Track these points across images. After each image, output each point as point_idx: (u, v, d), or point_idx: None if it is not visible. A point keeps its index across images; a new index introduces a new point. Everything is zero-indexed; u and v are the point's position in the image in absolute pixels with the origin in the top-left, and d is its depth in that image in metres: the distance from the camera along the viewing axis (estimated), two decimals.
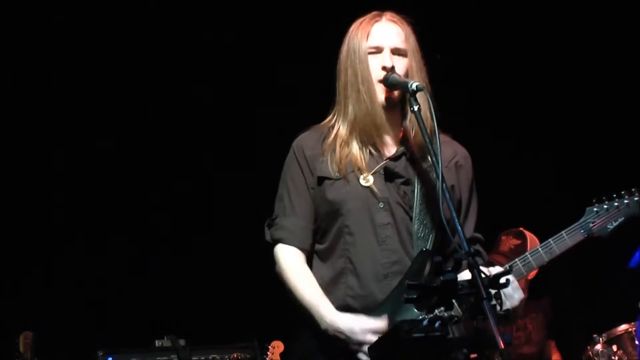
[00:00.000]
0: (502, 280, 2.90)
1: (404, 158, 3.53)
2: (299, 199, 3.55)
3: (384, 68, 3.47)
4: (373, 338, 3.26)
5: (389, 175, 3.49)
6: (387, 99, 3.49)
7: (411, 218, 3.46)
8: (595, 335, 5.37)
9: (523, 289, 3.40)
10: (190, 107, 6.59)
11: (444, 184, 3.12)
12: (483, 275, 2.88)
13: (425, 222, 3.46)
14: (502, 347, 2.76)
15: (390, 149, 3.55)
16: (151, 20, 6.44)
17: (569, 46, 6.47)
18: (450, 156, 3.56)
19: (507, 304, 3.27)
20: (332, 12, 5.52)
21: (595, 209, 3.55)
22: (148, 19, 6.44)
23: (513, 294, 3.31)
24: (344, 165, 3.49)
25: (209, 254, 6.50)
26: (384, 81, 3.45)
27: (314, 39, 5.80)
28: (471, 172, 3.63)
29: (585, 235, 3.53)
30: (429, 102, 3.25)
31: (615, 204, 3.56)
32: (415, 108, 3.27)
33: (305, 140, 3.61)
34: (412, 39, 3.55)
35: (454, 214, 3.07)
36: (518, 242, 5.57)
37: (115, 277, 6.44)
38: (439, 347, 2.96)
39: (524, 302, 3.39)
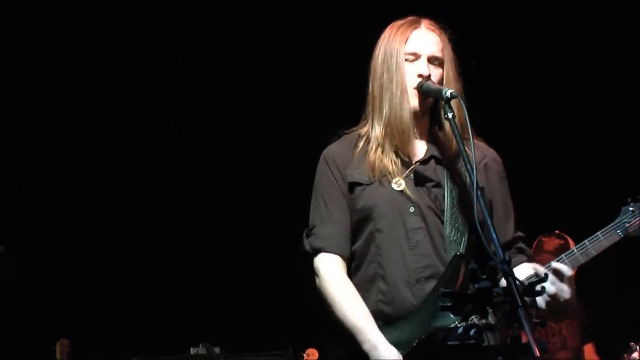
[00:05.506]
0: (538, 288, 2.89)
1: (432, 161, 3.52)
2: (334, 207, 3.53)
3: (419, 75, 3.46)
4: None
5: (419, 179, 3.49)
6: (419, 105, 3.49)
7: (443, 222, 3.45)
8: (632, 344, 5.32)
9: None
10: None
11: (478, 192, 3.13)
12: (518, 283, 2.87)
13: (457, 225, 3.45)
14: (538, 354, 2.75)
15: (420, 153, 3.54)
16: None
17: (608, 43, 6.41)
18: (479, 158, 3.53)
19: (562, 297, 3.31)
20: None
21: (631, 209, 3.48)
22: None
23: (564, 287, 3.32)
24: (376, 170, 3.48)
25: (244, 260, 6.51)
26: (418, 88, 3.46)
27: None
28: (502, 172, 3.61)
29: (622, 236, 3.46)
30: (463, 109, 3.26)
31: None
32: (450, 115, 3.29)
33: (335, 149, 3.61)
34: (449, 48, 3.54)
35: (489, 222, 3.07)
36: (561, 242, 5.55)
37: (150, 284, 6.47)
38: (474, 355, 2.95)
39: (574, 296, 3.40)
